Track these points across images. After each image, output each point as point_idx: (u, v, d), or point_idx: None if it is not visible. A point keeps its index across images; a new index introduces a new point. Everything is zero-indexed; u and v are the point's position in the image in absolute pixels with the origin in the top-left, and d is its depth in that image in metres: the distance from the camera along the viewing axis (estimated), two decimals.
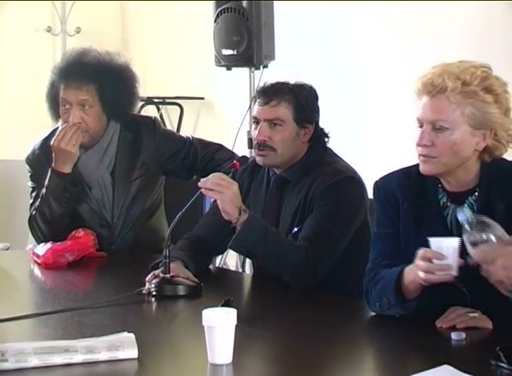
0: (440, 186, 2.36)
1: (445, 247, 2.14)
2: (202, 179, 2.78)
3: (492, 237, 2.02)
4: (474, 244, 2.04)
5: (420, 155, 2.30)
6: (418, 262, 2.15)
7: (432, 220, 2.36)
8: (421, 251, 2.16)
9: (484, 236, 2.02)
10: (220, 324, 1.97)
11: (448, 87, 2.24)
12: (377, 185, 2.47)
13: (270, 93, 2.93)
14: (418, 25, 4.22)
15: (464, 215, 2.07)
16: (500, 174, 2.31)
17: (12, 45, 5.31)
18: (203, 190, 2.74)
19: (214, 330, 1.97)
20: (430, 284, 2.17)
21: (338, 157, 2.98)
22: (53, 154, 3.25)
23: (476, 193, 2.32)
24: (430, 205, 2.37)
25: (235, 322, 1.98)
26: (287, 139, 2.90)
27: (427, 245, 2.20)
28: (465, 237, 2.06)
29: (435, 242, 2.16)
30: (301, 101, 2.92)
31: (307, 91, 2.97)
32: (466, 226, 2.06)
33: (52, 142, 3.25)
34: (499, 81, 2.32)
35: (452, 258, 2.13)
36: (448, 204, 2.35)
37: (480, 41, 4.03)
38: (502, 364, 1.92)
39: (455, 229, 2.30)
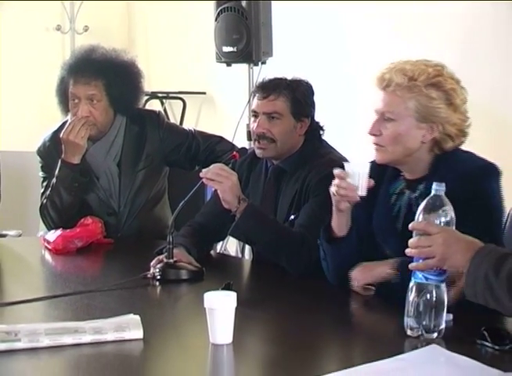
0: (401, 173, 2.43)
1: (356, 171, 2.30)
2: (203, 170, 2.78)
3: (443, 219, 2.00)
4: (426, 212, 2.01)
5: (372, 143, 2.39)
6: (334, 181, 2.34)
7: (380, 206, 2.46)
8: (337, 171, 2.32)
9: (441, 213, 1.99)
10: (220, 306, 1.98)
11: (394, 81, 2.32)
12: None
13: (269, 88, 2.93)
14: (411, 24, 4.21)
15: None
16: (449, 164, 2.34)
17: (24, 42, 5.30)
18: (204, 180, 2.74)
19: (214, 312, 1.98)
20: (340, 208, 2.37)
21: (333, 148, 2.98)
22: (63, 146, 3.26)
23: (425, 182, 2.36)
24: (381, 193, 2.46)
25: (235, 304, 1.99)
26: (285, 132, 2.90)
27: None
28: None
29: (348, 165, 2.33)
30: (297, 96, 2.92)
31: (303, 86, 2.96)
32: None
33: (61, 135, 3.25)
34: (452, 79, 2.36)
35: (359, 181, 2.29)
36: (405, 190, 2.42)
37: (466, 41, 4.03)
38: (487, 343, 1.93)
39: (402, 214, 2.39)
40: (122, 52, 3.44)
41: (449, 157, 2.36)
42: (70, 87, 3.29)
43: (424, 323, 1.98)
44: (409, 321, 2.00)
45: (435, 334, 1.99)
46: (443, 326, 1.99)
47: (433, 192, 1.99)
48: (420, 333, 1.99)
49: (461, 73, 3.98)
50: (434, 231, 1.94)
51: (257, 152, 2.94)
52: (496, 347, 1.91)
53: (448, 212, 1.97)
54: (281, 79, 2.96)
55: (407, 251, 1.97)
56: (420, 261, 1.96)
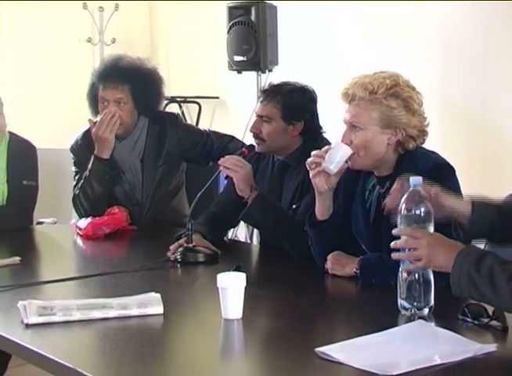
0: (373, 172, 2.44)
1: (338, 147, 2.33)
2: (222, 159, 2.80)
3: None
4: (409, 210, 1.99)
5: None
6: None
7: (357, 200, 2.47)
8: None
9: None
10: (231, 286, 1.98)
11: (357, 96, 2.33)
12: None
13: (265, 94, 2.95)
14: (399, 36, 4.20)
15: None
16: (410, 163, 2.34)
17: (59, 52, 5.31)
18: (222, 168, 2.77)
19: (226, 291, 1.98)
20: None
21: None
22: (95, 143, 3.27)
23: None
24: (359, 189, 2.47)
25: (244, 284, 1.99)
26: (273, 133, 2.90)
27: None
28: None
29: (334, 143, 2.38)
30: (288, 102, 2.89)
31: (297, 94, 2.92)
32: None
33: (92, 132, 3.27)
34: (408, 86, 2.36)
35: (338, 158, 2.31)
36: (376, 185, 2.42)
37: (447, 49, 4.01)
38: (468, 319, 1.93)
39: (373, 209, 2.41)
40: (146, 60, 3.45)
41: (411, 157, 2.36)
42: (100, 91, 3.30)
43: (415, 303, 1.98)
44: (402, 302, 2.00)
45: (426, 311, 1.98)
46: (432, 303, 1.98)
47: (411, 186, 1.98)
48: (412, 312, 1.98)
49: (443, 78, 3.99)
50: (419, 236, 1.92)
51: (256, 147, 2.96)
52: (476, 322, 1.91)
53: (429, 203, 1.97)
54: (280, 86, 2.95)
55: (394, 255, 1.96)
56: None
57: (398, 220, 1.98)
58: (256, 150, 2.97)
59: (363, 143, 2.34)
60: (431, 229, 1.96)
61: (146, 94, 3.36)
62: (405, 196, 1.97)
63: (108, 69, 3.34)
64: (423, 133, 2.37)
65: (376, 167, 2.41)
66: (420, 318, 1.95)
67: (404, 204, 1.96)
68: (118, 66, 3.35)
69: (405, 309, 1.99)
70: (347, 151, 2.32)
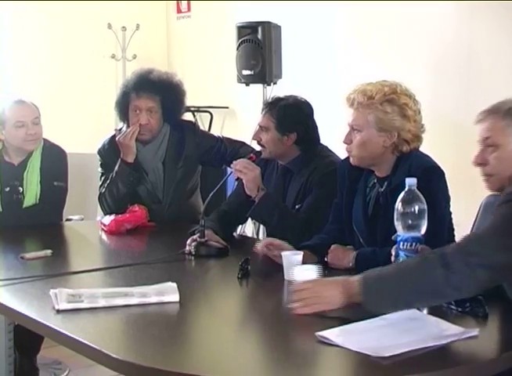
0: (374, 172, 2.44)
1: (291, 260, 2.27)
2: (234, 162, 2.81)
3: None
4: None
5: (345, 150, 2.43)
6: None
7: (359, 195, 2.46)
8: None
9: None
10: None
11: (356, 100, 2.34)
12: (337, 168, 2.60)
13: (265, 106, 2.96)
14: (388, 50, 4.20)
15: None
16: (405, 165, 2.34)
17: (87, 67, 5.32)
18: (233, 170, 2.77)
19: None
20: None
21: (332, 152, 2.95)
22: (120, 148, 3.29)
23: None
24: (360, 185, 2.46)
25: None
26: (270, 141, 2.90)
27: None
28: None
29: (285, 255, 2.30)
30: (282, 116, 2.87)
31: (292, 109, 2.90)
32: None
33: (116, 139, 3.29)
34: (406, 95, 2.35)
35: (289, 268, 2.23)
36: (376, 184, 2.42)
37: (437, 64, 4.01)
38: (452, 306, 1.93)
39: (371, 203, 2.41)
40: (173, 74, 3.46)
41: (406, 159, 2.36)
42: (134, 100, 3.30)
43: None
44: None
45: None
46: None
47: (407, 187, 1.99)
48: None
49: (434, 90, 3.98)
50: (304, 286, 1.92)
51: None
52: (459, 309, 1.90)
53: (423, 202, 1.97)
54: (279, 99, 2.94)
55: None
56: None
57: (395, 217, 1.98)
58: (262, 156, 2.97)
59: (360, 143, 2.35)
60: (424, 225, 1.96)
61: (173, 104, 3.37)
62: (402, 195, 1.97)
63: (141, 81, 3.33)
64: (417, 138, 2.37)
65: (373, 165, 2.40)
66: None
67: (400, 203, 1.97)
68: (150, 78, 3.34)
69: None
70: (294, 261, 2.27)
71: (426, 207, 1.96)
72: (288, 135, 2.89)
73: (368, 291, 1.82)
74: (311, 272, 2.12)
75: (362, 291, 1.82)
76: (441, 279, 1.76)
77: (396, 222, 1.98)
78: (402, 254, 1.98)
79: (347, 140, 2.38)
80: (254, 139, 2.98)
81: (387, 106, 2.32)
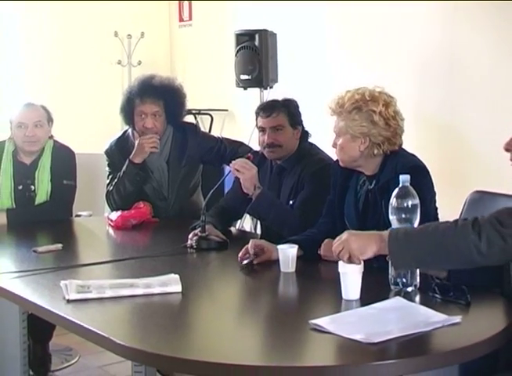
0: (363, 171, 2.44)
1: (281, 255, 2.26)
2: (232, 162, 2.80)
3: None
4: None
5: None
6: None
7: (350, 192, 2.46)
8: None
9: None
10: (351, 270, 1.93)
11: (333, 110, 2.37)
12: (331, 167, 2.59)
13: (270, 109, 2.93)
14: (379, 57, 4.20)
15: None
16: (392, 164, 2.34)
17: (95, 73, 5.31)
18: (232, 169, 2.76)
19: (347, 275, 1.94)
20: None
21: (321, 150, 2.96)
22: (135, 148, 3.27)
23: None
24: (352, 182, 2.46)
25: (362, 269, 1.93)
26: (287, 138, 2.90)
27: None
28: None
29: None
30: (291, 110, 2.92)
31: (294, 103, 2.97)
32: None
33: (140, 140, 3.27)
34: (373, 101, 2.32)
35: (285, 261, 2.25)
36: (366, 183, 2.41)
37: (422, 69, 4.01)
38: (437, 295, 1.93)
39: (361, 199, 2.40)
40: (174, 79, 3.45)
41: (393, 158, 2.35)
42: (139, 105, 3.29)
43: (404, 280, 1.98)
44: (392, 280, 2.00)
45: (411, 288, 1.99)
46: (417, 282, 1.98)
47: (401, 183, 2.00)
48: (400, 287, 1.98)
49: (419, 93, 3.98)
50: (337, 240, 1.91)
51: (268, 155, 2.93)
52: (443, 298, 1.91)
53: (415, 197, 1.98)
54: (276, 101, 2.97)
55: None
56: None
57: (390, 211, 1.99)
58: (271, 157, 2.94)
59: (340, 148, 2.38)
60: (417, 219, 1.97)
61: (175, 107, 3.36)
62: (396, 191, 1.99)
63: (145, 87, 3.31)
64: (388, 142, 2.34)
65: (358, 166, 2.40)
66: (405, 294, 1.95)
67: (394, 198, 1.98)
68: (153, 84, 3.33)
69: (395, 284, 2.00)
70: (290, 254, 2.26)
71: (418, 202, 1.97)
72: (298, 129, 2.93)
73: (394, 243, 1.81)
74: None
75: (389, 242, 1.82)
76: (472, 245, 1.74)
77: (391, 217, 1.98)
78: None
79: (334, 144, 2.41)
80: (269, 142, 2.87)
81: (355, 114, 2.32)
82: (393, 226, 1.97)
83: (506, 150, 1.93)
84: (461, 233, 1.77)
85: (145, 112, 3.28)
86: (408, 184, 1.99)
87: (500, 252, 1.75)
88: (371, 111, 2.31)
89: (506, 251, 1.75)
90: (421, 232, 1.84)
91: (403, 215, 1.96)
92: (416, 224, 1.96)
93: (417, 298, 1.94)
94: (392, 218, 1.98)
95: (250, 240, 2.42)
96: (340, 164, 2.43)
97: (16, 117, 3.29)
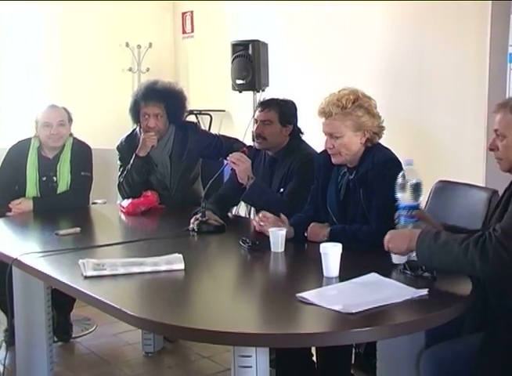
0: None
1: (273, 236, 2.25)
2: (229, 155, 2.80)
3: None
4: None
5: (330, 153, 2.38)
6: None
7: (332, 182, 2.44)
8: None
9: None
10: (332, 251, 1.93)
11: (332, 112, 2.30)
12: (314, 159, 2.57)
13: (265, 104, 2.94)
14: (359, 63, 4.18)
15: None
16: (370, 157, 2.33)
17: (108, 79, 5.30)
18: (228, 162, 2.76)
19: (327, 256, 1.93)
20: None
21: (309, 146, 2.95)
22: (140, 143, 3.27)
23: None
24: (333, 173, 2.45)
25: (340, 251, 1.92)
26: (273, 133, 2.89)
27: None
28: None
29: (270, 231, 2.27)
30: (283, 110, 2.91)
31: (289, 104, 2.95)
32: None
33: (142, 136, 3.27)
34: (365, 97, 2.33)
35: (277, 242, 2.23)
36: (346, 174, 2.40)
37: (391, 73, 4.00)
38: (407, 272, 1.93)
39: (343, 189, 2.39)
40: (175, 83, 3.43)
41: (371, 152, 2.34)
42: (143, 108, 3.28)
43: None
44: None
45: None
46: (413, 255, 1.94)
47: (405, 166, 2.04)
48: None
49: (389, 96, 3.97)
50: (386, 236, 1.97)
51: (256, 145, 2.95)
52: (413, 274, 1.91)
53: (418, 177, 2.00)
54: (274, 99, 2.97)
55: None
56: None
57: (397, 189, 2.01)
58: (256, 147, 2.95)
59: (343, 146, 2.32)
60: (420, 196, 2.00)
61: (175, 109, 3.34)
62: (402, 172, 2.02)
63: (148, 91, 3.30)
64: (382, 128, 2.37)
65: (349, 161, 2.38)
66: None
67: (401, 178, 2.01)
68: (155, 88, 3.31)
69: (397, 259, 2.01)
70: (280, 236, 2.25)
71: (421, 181, 1.99)
72: (287, 127, 2.90)
73: (421, 245, 1.85)
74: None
75: (417, 244, 1.85)
76: (478, 267, 1.75)
77: (398, 194, 2.01)
78: (402, 218, 2.02)
79: (330, 145, 2.35)
80: (257, 132, 2.88)
81: (358, 111, 2.30)
82: (399, 201, 2.00)
83: (491, 149, 1.93)
84: (469, 260, 1.76)
85: (148, 113, 3.27)
86: (411, 167, 2.01)
87: (503, 271, 1.76)
88: (368, 105, 2.31)
89: (506, 269, 1.75)
90: (442, 244, 1.81)
91: (407, 193, 1.99)
92: (418, 200, 2.00)
93: (390, 274, 1.93)
94: (399, 195, 2.01)
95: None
96: (335, 162, 2.38)
97: (41, 117, 3.29)
